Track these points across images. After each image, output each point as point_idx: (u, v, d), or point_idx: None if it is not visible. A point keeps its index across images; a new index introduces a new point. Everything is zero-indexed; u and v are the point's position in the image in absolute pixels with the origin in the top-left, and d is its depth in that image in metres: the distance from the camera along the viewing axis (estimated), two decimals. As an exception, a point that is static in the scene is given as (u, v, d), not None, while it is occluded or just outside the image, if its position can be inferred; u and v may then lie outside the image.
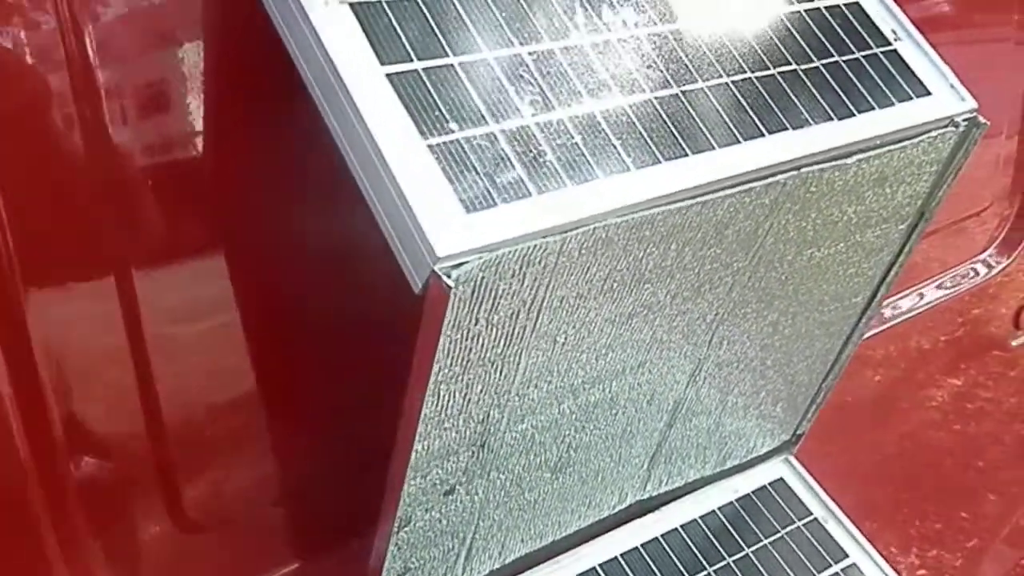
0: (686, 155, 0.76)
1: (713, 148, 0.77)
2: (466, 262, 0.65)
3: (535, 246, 0.68)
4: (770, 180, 0.81)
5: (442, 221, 0.65)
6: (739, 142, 0.79)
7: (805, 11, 0.89)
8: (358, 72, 0.67)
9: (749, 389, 1.09)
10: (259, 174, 0.84)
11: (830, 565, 1.16)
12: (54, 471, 0.80)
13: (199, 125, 0.79)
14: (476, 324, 0.70)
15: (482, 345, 0.73)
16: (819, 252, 0.95)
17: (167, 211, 0.81)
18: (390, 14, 0.70)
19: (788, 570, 1.14)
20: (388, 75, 0.68)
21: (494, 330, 0.72)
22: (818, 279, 0.99)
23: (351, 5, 0.69)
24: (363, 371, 0.93)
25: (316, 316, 0.91)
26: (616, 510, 1.12)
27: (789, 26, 0.87)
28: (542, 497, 0.99)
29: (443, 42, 0.71)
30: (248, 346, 0.89)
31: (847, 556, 1.18)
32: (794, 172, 0.82)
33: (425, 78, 0.69)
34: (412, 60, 0.69)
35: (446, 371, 0.72)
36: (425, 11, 0.71)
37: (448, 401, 0.76)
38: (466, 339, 0.71)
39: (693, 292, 0.87)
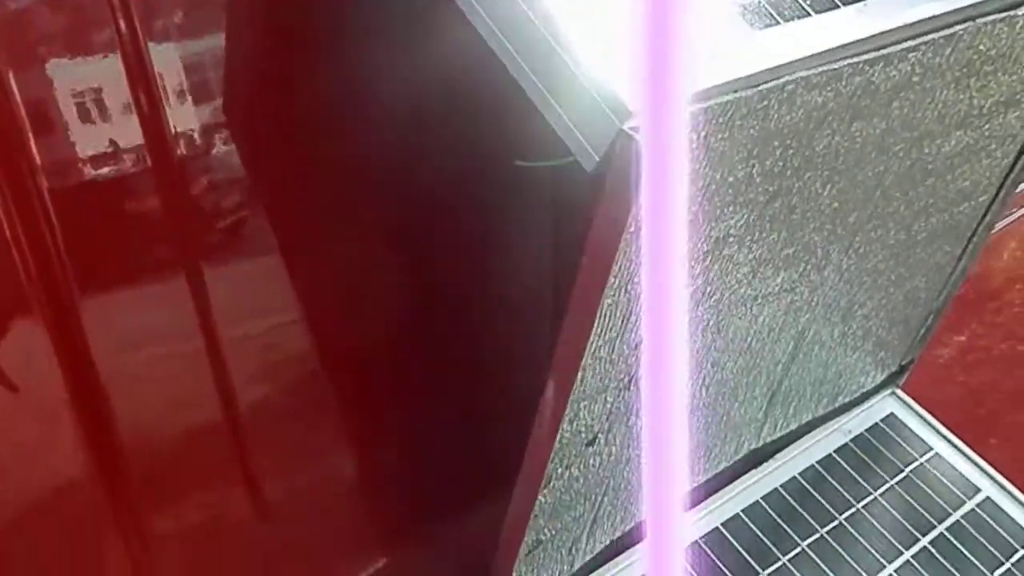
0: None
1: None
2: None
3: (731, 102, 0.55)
4: (947, 31, 0.68)
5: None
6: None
7: None
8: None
9: (870, 309, 0.97)
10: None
11: (963, 502, 1.05)
12: (120, 466, 0.64)
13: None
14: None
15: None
16: (966, 136, 0.83)
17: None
18: None
19: (922, 511, 1.03)
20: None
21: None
22: (957, 169, 0.87)
23: None
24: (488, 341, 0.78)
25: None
26: (732, 461, 0.99)
27: None
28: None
29: None
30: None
31: (979, 490, 1.06)
32: (969, 23, 0.70)
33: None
34: None
35: (622, 274, 0.58)
36: None
37: (610, 321, 0.62)
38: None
39: (850, 181, 0.75)
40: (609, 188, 0.53)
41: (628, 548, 0.92)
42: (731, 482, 1.00)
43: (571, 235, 0.62)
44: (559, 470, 0.71)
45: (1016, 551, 1.01)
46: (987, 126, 0.85)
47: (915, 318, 1.06)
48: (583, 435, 0.70)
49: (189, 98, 0.61)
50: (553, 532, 0.78)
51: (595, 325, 0.59)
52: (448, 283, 0.80)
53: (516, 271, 0.76)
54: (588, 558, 0.88)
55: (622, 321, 0.63)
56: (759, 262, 0.74)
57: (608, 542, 0.89)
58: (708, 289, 0.72)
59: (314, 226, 0.71)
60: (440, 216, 0.78)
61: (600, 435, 0.72)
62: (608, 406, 0.70)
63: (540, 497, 0.71)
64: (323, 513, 0.79)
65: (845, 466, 1.05)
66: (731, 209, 0.65)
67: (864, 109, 0.68)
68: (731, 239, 0.68)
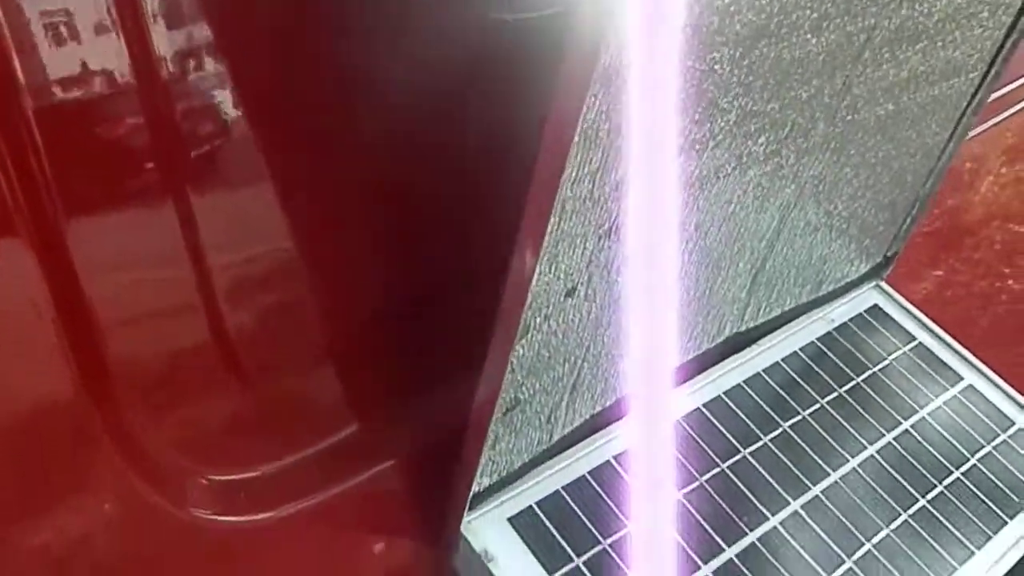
0: None
1: None
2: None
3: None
4: None
5: None
6: None
7: None
8: None
9: (856, 188, 0.96)
10: None
11: (946, 388, 1.04)
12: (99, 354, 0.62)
13: None
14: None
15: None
16: (958, -5, 0.81)
17: None
18: None
19: (905, 397, 1.02)
20: None
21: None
22: (948, 36, 0.85)
23: None
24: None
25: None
26: (715, 343, 0.98)
27: None
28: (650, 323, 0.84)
29: None
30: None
31: (962, 378, 1.06)
32: None
33: None
34: None
35: (599, 106, 0.56)
36: None
37: (589, 154, 0.60)
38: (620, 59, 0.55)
39: (840, 33, 0.73)
40: (584, 16, 0.51)
41: (607, 425, 0.91)
42: (713, 366, 0.98)
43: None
44: (537, 320, 0.69)
45: (997, 435, 1.01)
46: (979, -12, 0.83)
47: (901, 203, 1.05)
48: (562, 283, 0.68)
49: (167, 20, 0.58)
50: (531, 393, 0.76)
51: (572, 155, 0.57)
52: (426, 140, 0.77)
53: (497, 123, 0.74)
54: (567, 431, 0.86)
55: (601, 154, 0.61)
56: (744, 113, 0.72)
57: (588, 416, 0.88)
58: (692, 136, 0.70)
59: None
60: (419, 70, 0.75)
61: (579, 287, 0.71)
62: (588, 254, 0.69)
63: (518, 348, 0.69)
64: (298, 379, 0.77)
65: (828, 354, 1.04)
66: (718, 40, 0.63)
67: (855, -56, 0.66)
68: (716, 73, 0.65)
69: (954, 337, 1.09)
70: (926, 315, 1.11)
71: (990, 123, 1.69)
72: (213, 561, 0.72)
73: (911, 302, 1.55)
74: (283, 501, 0.75)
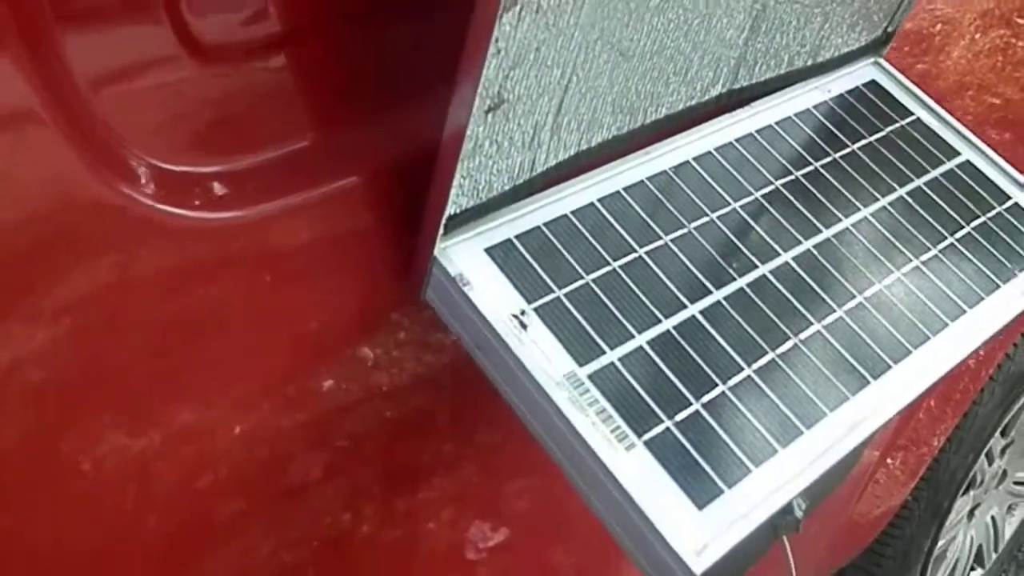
0: None
1: None
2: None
3: None
4: None
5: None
6: None
7: None
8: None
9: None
10: None
11: (943, 162, 1.00)
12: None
13: None
14: None
15: None
16: None
17: None
18: None
19: (900, 166, 0.97)
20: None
21: None
22: None
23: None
24: None
25: None
26: (708, 96, 0.92)
27: None
28: (640, 42, 0.78)
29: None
30: None
31: (959, 154, 1.01)
32: None
33: None
34: None
35: None
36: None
37: None
38: None
39: None
40: None
41: (592, 168, 0.85)
42: (703, 123, 0.93)
43: None
44: (528, -11, 0.62)
45: (993, 208, 0.97)
46: None
47: (909, -37, 0.98)
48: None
49: None
50: (516, 95, 0.70)
51: None
52: None
53: None
54: (551, 163, 0.80)
55: None
56: None
57: (573, 151, 0.82)
58: None
59: None
60: None
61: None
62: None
63: (504, 22, 0.62)
64: (263, 73, 0.70)
65: (823, 120, 0.99)
66: None
67: None
68: None
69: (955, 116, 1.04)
70: (926, 93, 1.05)
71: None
72: (173, 271, 0.66)
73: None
74: (239, 205, 0.68)
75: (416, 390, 0.81)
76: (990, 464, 2.10)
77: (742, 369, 0.77)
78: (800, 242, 0.87)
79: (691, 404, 0.73)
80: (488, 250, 0.77)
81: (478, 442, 0.89)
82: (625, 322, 0.76)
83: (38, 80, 0.58)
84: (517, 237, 0.79)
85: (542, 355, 0.72)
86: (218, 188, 0.67)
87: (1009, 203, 0.98)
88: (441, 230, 0.74)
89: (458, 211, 0.75)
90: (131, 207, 0.63)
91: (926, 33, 1.66)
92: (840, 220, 0.90)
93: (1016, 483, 2.24)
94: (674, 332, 0.77)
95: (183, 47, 0.66)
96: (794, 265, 0.85)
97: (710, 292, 0.81)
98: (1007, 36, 1.93)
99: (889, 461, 1.84)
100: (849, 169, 0.95)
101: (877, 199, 0.93)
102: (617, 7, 0.72)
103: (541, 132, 0.76)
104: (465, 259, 0.76)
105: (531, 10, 0.64)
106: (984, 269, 0.90)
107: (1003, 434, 2.07)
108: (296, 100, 0.72)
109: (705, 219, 0.85)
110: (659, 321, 0.77)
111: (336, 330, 0.76)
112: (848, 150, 0.97)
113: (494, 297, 0.75)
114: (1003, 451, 2.13)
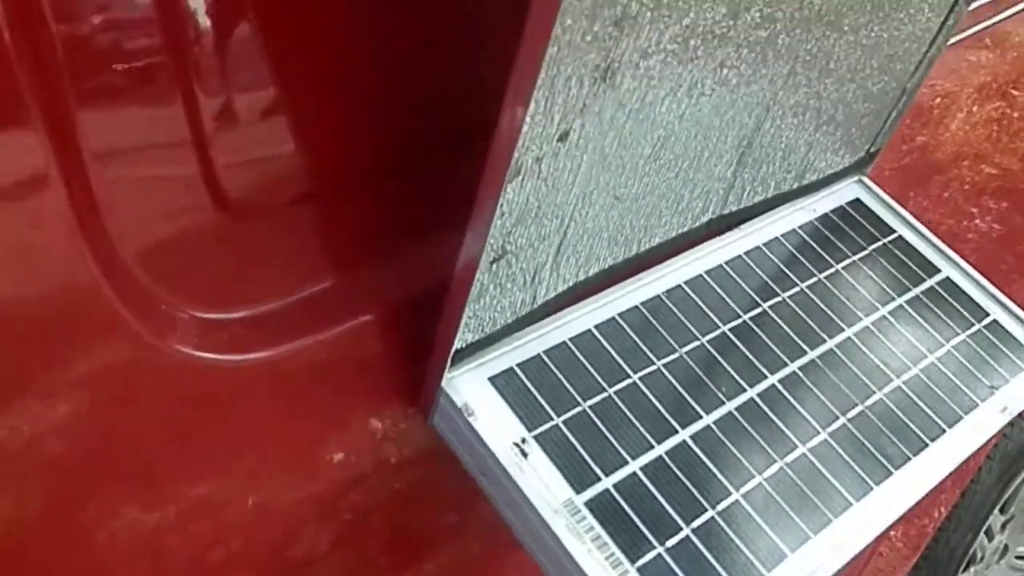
0: None
1: None
2: None
3: None
4: None
5: None
6: None
7: None
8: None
9: (846, 71, 0.95)
10: None
11: (923, 279, 1.05)
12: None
13: None
14: None
15: None
16: None
17: None
18: None
19: (883, 285, 1.03)
20: None
21: None
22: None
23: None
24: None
25: None
26: (699, 223, 0.98)
27: None
28: (634, 187, 0.84)
29: None
30: None
31: (939, 271, 1.07)
32: None
33: None
34: None
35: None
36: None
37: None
38: None
39: None
40: None
41: (590, 296, 0.91)
42: (695, 247, 0.99)
43: None
44: (528, 161, 0.68)
45: (972, 325, 1.02)
46: None
47: (888, 95, 1.05)
48: (555, 124, 0.68)
49: None
50: (518, 245, 0.76)
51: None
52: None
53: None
54: (551, 295, 0.86)
55: (602, -17, 0.60)
56: (744, -36, 0.71)
57: (572, 282, 0.88)
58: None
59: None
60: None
61: (573, 131, 0.70)
62: (583, 98, 0.68)
63: (508, 190, 0.68)
64: (284, 224, 0.76)
65: (809, 241, 1.05)
66: None
67: None
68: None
69: (936, 233, 1.10)
70: (907, 210, 1.11)
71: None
72: (194, 399, 0.72)
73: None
74: (265, 345, 0.74)
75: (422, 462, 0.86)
76: (990, 540, 2.13)
77: (730, 493, 0.82)
78: (786, 364, 0.92)
79: (682, 529, 0.78)
80: (492, 379, 0.83)
81: (482, 513, 0.93)
82: (620, 448, 0.82)
83: (87, 249, 0.64)
84: (519, 365, 0.84)
85: (541, 483, 0.78)
86: (243, 333, 0.73)
87: (988, 320, 1.03)
88: (448, 364, 0.80)
89: (464, 345, 0.81)
90: (162, 351, 0.69)
91: (926, 107, 1.73)
92: (825, 341, 0.95)
93: (1018, 557, 2.26)
94: (666, 458, 0.82)
95: (215, 203, 0.72)
96: (780, 388, 0.90)
97: (700, 417, 0.86)
98: (1003, 108, 2.00)
99: (892, 532, 1.87)
100: (834, 289, 1.01)
101: (860, 319, 0.99)
102: (611, 162, 0.78)
103: (541, 271, 0.82)
104: (470, 389, 0.81)
105: (532, 176, 0.70)
106: (962, 388, 0.95)
107: (1002, 511, 2.10)
108: (316, 247, 0.78)
109: (695, 343, 0.91)
110: (652, 447, 0.82)
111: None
112: (832, 270, 1.03)
113: (496, 426, 0.80)
114: (1003, 527, 2.16)
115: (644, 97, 0.74)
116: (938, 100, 1.81)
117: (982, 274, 1.07)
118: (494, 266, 0.75)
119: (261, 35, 0.67)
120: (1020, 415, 2.00)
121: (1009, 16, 1.58)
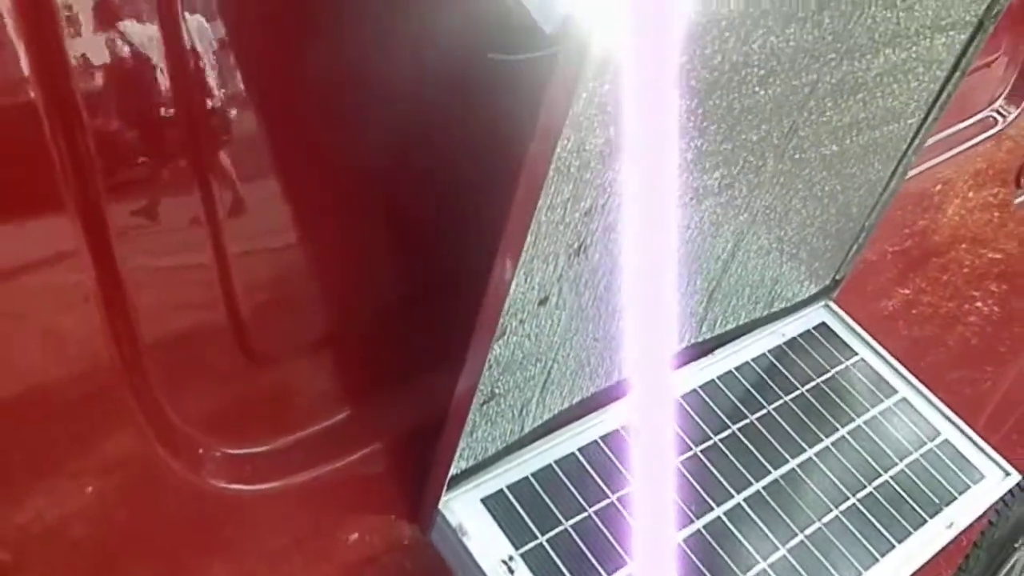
0: None
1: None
2: None
3: None
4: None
5: None
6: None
7: None
8: None
9: (805, 217, 1.07)
10: None
11: (881, 400, 1.16)
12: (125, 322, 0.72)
13: None
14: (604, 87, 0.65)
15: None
16: (894, 55, 0.93)
17: None
18: None
19: (844, 406, 1.13)
20: None
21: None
22: (887, 87, 0.97)
23: None
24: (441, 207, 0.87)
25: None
26: (673, 353, 1.09)
27: None
28: (612, 332, 0.95)
29: None
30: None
31: (896, 392, 1.17)
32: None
33: None
34: None
35: (571, 142, 0.66)
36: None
37: (561, 185, 0.71)
38: (591, 106, 0.66)
39: (785, 86, 0.84)
40: (564, 56, 0.62)
41: (573, 421, 1.01)
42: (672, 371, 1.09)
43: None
44: (513, 324, 0.80)
45: (924, 444, 1.12)
46: (914, 48, 0.94)
47: (847, 232, 1.16)
48: (536, 292, 0.79)
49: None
50: (506, 388, 0.87)
51: (546, 186, 0.68)
52: (422, 165, 0.88)
53: (485, 151, 0.85)
54: (537, 423, 0.97)
55: (572, 186, 0.72)
56: (699, 152, 0.83)
57: (556, 411, 0.99)
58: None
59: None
60: (408, 107, 0.86)
61: (552, 297, 0.81)
62: (559, 269, 0.79)
63: (495, 347, 0.80)
64: (300, 366, 0.87)
65: (777, 364, 1.15)
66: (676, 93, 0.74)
67: (797, 14, 0.77)
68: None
69: (899, 358, 1.20)
70: (870, 335, 1.22)
71: (958, 149, 1.79)
72: (220, 523, 0.83)
73: (878, 318, 1.64)
74: (284, 474, 0.85)
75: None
76: (982, 626, 2.18)
77: (696, 607, 0.91)
78: (751, 483, 1.02)
79: (650, 641, 0.88)
80: (484, 500, 0.93)
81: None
82: (598, 566, 0.91)
83: (139, 411, 0.76)
84: (508, 487, 0.95)
85: (526, 598, 0.88)
86: (263, 466, 0.84)
87: (939, 439, 1.13)
88: (445, 487, 0.90)
89: (458, 472, 0.92)
90: (192, 482, 0.80)
91: (927, 192, 1.84)
92: (788, 461, 1.06)
93: (1010, 642, 2.31)
94: None
95: (241, 350, 0.84)
96: (745, 507, 1.00)
97: (692, 520, 0.96)
98: (1002, 193, 2.09)
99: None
100: (797, 411, 1.11)
101: (821, 439, 1.09)
102: (589, 313, 0.90)
103: (528, 404, 0.93)
104: (464, 510, 0.92)
105: (516, 334, 0.82)
106: (914, 506, 1.05)
107: (991, 598, 2.16)
108: (329, 385, 0.90)
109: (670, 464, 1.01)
110: (625, 563, 0.92)
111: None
112: (798, 392, 1.13)
113: (487, 544, 0.90)
114: (994, 613, 2.21)
115: (616, 262, 0.86)
116: (939, 187, 1.92)
117: (936, 394, 1.17)
118: (485, 407, 0.86)
119: (285, 194, 0.78)
120: (1002, 501, 2.07)
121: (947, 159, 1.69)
